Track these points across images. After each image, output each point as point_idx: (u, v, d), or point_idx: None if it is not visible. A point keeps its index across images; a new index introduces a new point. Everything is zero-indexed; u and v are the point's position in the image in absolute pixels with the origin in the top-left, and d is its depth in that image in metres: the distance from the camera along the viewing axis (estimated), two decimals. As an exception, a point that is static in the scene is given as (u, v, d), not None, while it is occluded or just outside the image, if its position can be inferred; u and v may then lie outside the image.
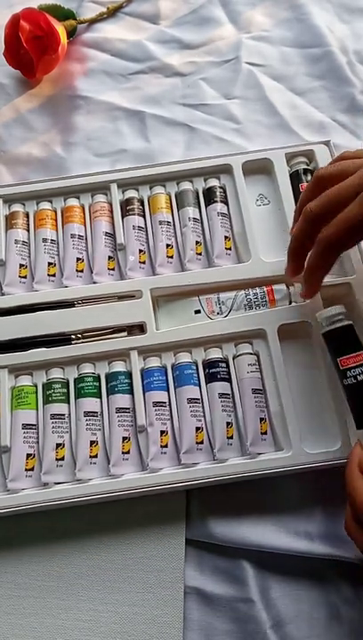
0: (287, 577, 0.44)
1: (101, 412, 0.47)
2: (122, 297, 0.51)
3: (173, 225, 0.53)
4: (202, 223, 0.54)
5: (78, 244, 0.53)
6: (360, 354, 0.42)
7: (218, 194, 0.54)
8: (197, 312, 0.50)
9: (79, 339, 0.49)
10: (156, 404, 0.47)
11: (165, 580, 0.44)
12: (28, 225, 0.54)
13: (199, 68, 0.65)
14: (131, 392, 0.47)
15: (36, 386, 0.48)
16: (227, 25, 0.67)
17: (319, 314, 0.45)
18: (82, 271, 0.52)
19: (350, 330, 0.43)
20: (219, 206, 0.53)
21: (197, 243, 0.52)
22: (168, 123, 0.62)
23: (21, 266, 0.52)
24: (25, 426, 0.46)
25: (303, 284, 0.45)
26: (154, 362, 0.48)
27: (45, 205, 0.55)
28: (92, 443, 0.46)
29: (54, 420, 0.46)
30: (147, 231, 0.53)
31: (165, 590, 0.44)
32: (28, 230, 0.54)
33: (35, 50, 0.62)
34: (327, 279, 0.50)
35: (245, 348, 0.48)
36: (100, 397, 0.48)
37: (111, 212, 0.54)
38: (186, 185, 0.55)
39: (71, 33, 0.66)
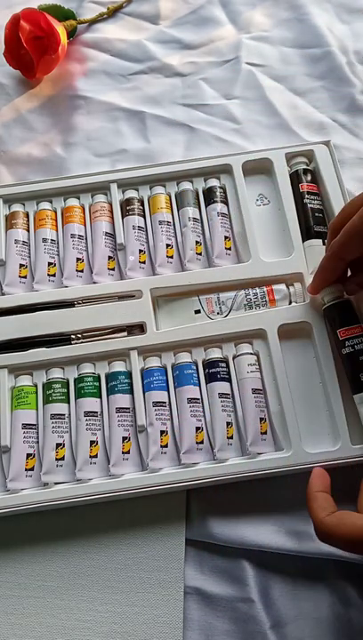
0: (287, 577, 0.44)
1: (101, 411, 0.47)
2: (122, 297, 0.51)
3: (173, 225, 0.53)
4: (202, 223, 0.54)
5: (78, 244, 0.53)
6: (358, 327, 0.46)
7: (218, 194, 0.54)
8: (197, 312, 0.50)
9: (79, 339, 0.49)
10: (156, 403, 0.47)
11: (165, 580, 0.44)
12: (28, 225, 0.54)
13: (199, 68, 0.65)
14: (131, 392, 0.47)
15: (36, 386, 0.48)
16: (227, 25, 0.67)
17: (322, 292, 0.48)
18: (82, 271, 0.52)
19: (348, 305, 0.47)
20: (219, 206, 0.53)
21: (197, 243, 0.52)
22: (168, 123, 0.62)
23: (21, 266, 0.52)
24: (25, 426, 0.46)
25: (312, 280, 0.48)
26: (154, 362, 0.48)
27: (45, 205, 0.55)
28: (92, 443, 0.46)
29: (54, 420, 0.46)
30: (147, 231, 0.53)
31: (165, 590, 0.44)
32: (28, 230, 0.54)
33: (35, 50, 0.62)
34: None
35: (245, 348, 0.48)
36: (101, 397, 0.48)
37: (111, 211, 0.54)
38: (186, 185, 0.55)
39: (71, 33, 0.66)
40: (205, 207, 0.54)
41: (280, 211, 0.53)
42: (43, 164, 0.60)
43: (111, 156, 0.60)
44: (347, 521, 0.36)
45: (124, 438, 0.46)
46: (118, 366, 0.48)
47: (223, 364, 0.48)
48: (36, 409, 0.47)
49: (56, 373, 0.48)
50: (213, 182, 0.55)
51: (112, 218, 0.54)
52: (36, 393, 0.48)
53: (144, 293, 0.50)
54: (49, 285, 0.52)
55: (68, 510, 0.45)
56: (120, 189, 0.55)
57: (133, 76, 0.65)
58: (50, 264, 0.52)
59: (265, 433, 0.46)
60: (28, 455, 0.46)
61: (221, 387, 0.47)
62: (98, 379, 0.48)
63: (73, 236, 0.53)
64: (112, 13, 0.69)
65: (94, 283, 0.51)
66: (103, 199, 0.55)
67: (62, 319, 0.50)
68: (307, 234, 0.52)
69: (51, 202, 0.55)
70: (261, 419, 0.46)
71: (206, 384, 0.47)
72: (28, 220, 0.54)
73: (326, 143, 0.55)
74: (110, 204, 0.54)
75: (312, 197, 0.53)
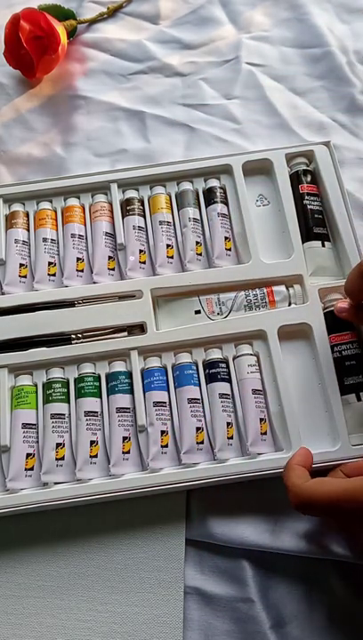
0: (287, 577, 0.44)
1: (102, 411, 0.47)
2: (122, 297, 0.51)
3: (174, 225, 0.53)
4: (202, 223, 0.54)
5: (78, 244, 0.53)
6: (347, 334, 0.48)
7: (218, 194, 0.54)
8: (198, 312, 0.50)
9: (79, 338, 0.49)
10: (156, 403, 0.47)
11: (165, 580, 0.44)
12: (29, 225, 0.54)
13: (199, 68, 0.65)
14: (131, 392, 0.47)
15: (36, 385, 0.48)
16: (227, 25, 0.67)
17: (325, 297, 0.50)
18: (82, 271, 0.52)
19: None
20: (219, 207, 0.54)
21: (197, 243, 0.52)
22: (168, 123, 0.62)
23: (21, 265, 0.52)
24: (25, 425, 0.46)
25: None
26: (154, 362, 0.48)
27: (45, 205, 0.55)
28: (92, 442, 0.46)
29: (54, 420, 0.46)
30: (147, 231, 0.53)
31: (165, 590, 0.44)
32: (29, 230, 0.54)
33: (35, 50, 0.62)
34: (327, 280, 0.51)
35: (245, 349, 0.48)
36: (101, 397, 0.48)
37: (111, 211, 0.54)
38: (186, 185, 0.55)
39: (71, 33, 0.66)
40: (206, 207, 0.54)
41: (280, 212, 0.53)
42: (43, 164, 0.60)
43: (111, 156, 0.60)
44: (326, 482, 0.38)
45: (124, 438, 0.46)
46: (119, 366, 0.48)
47: (223, 365, 0.48)
48: (36, 409, 0.47)
49: (56, 373, 0.48)
50: (214, 182, 0.55)
51: (112, 218, 0.54)
52: (36, 393, 0.48)
53: (144, 293, 0.50)
54: (49, 285, 0.52)
55: (68, 510, 0.45)
56: (120, 189, 0.55)
57: (133, 76, 0.65)
58: (50, 264, 0.52)
59: (265, 433, 0.46)
60: (28, 455, 0.46)
61: (222, 387, 0.47)
62: (98, 379, 0.48)
63: (73, 235, 0.53)
64: (112, 13, 0.69)
65: (94, 283, 0.51)
66: (103, 199, 0.55)
67: (62, 319, 0.50)
68: (307, 235, 0.52)
69: (51, 202, 0.55)
70: (261, 419, 0.46)
71: (207, 384, 0.47)
72: (28, 220, 0.54)
73: (327, 143, 0.55)
74: (110, 204, 0.54)
75: (312, 199, 0.53)
